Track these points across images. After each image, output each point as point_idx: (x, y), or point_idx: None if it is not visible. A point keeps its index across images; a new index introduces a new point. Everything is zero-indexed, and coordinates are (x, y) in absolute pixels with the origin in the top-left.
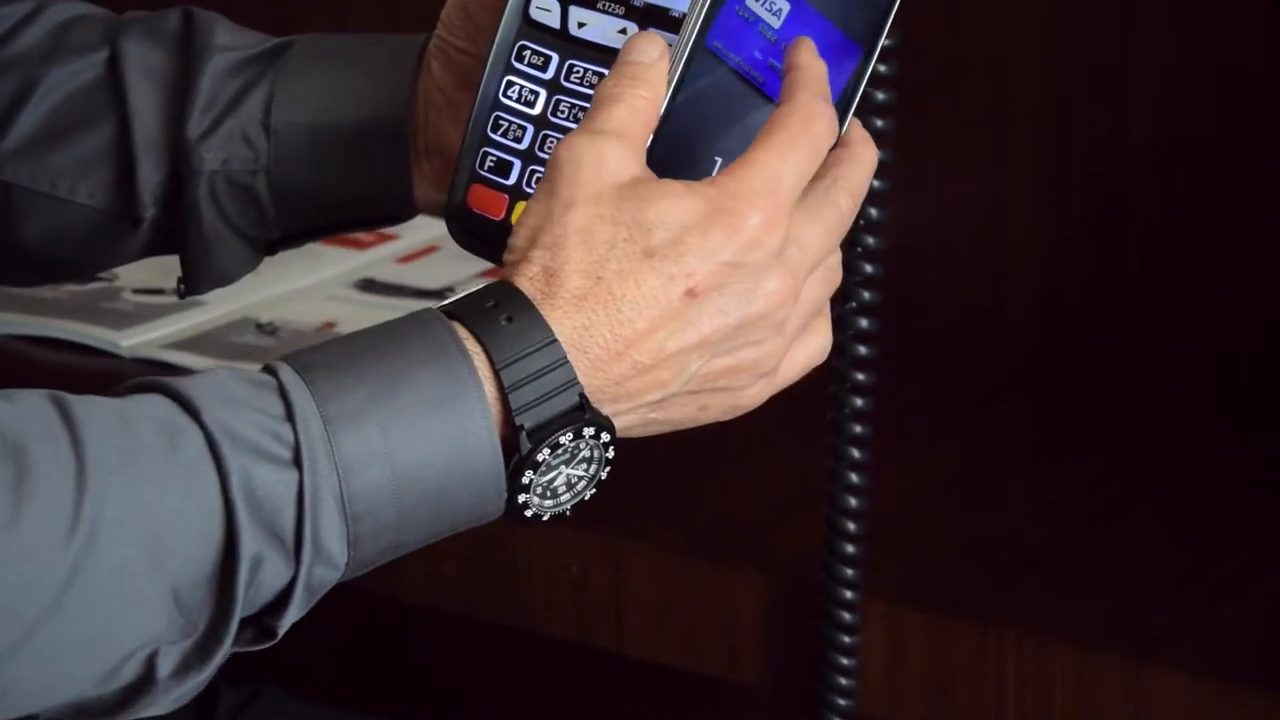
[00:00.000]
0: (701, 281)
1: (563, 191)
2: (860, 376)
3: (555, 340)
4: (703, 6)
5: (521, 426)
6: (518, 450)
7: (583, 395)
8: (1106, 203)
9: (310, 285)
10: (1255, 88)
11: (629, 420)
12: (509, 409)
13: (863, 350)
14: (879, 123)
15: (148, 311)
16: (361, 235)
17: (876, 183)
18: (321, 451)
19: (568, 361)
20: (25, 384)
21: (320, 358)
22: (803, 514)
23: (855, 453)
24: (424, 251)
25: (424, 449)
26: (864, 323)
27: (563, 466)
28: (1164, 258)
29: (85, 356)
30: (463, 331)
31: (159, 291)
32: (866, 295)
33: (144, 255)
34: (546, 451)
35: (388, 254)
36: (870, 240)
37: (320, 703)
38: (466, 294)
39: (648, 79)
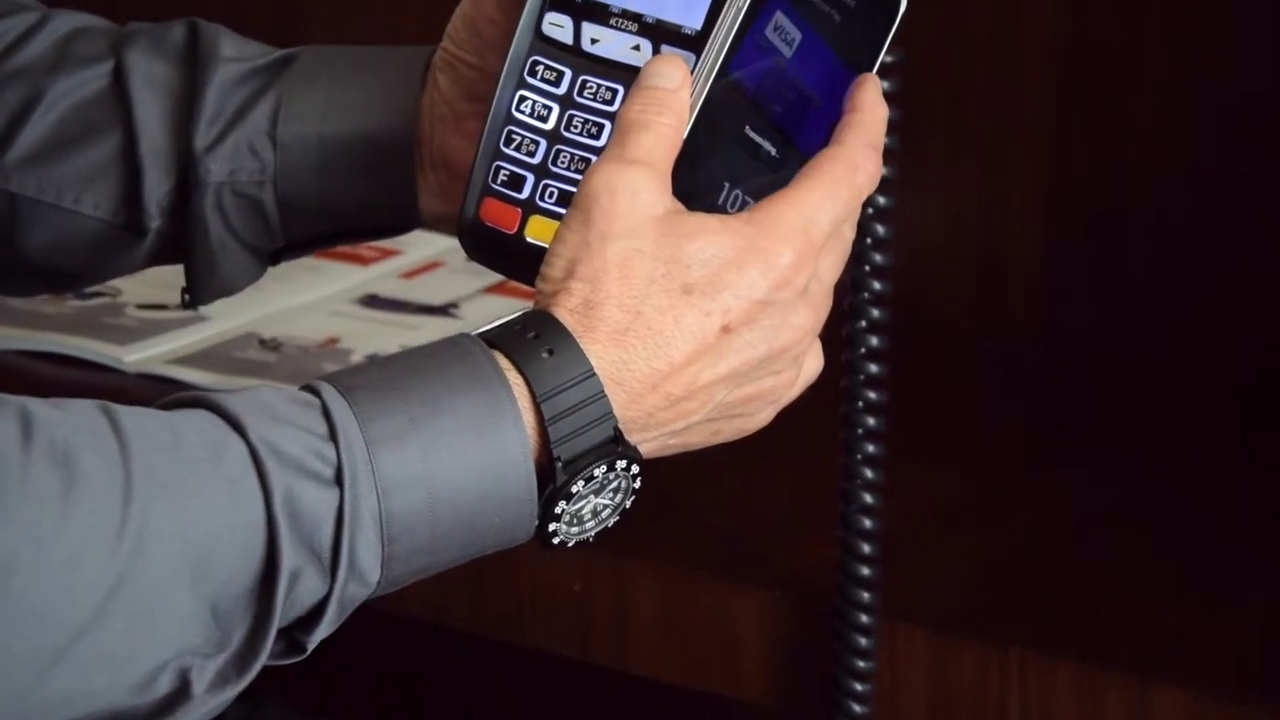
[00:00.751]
0: (736, 318)
1: (599, 223)
2: (872, 395)
3: (594, 374)
4: (728, 35)
5: (558, 458)
6: (552, 480)
7: (616, 428)
8: (1108, 220)
9: (313, 301)
10: (1256, 108)
11: (650, 448)
12: (546, 439)
13: (874, 368)
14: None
15: (151, 327)
16: (364, 251)
17: (883, 199)
18: (363, 472)
19: (605, 396)
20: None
21: (362, 380)
22: (806, 532)
23: (869, 472)
24: (427, 267)
25: (462, 474)
26: (874, 340)
27: (592, 496)
28: (1166, 274)
29: (88, 372)
30: (504, 361)
31: (162, 307)
32: (876, 313)
33: (148, 265)
34: (580, 483)
35: (391, 269)
36: (878, 257)
37: (323, 717)
38: (505, 322)
39: (672, 105)
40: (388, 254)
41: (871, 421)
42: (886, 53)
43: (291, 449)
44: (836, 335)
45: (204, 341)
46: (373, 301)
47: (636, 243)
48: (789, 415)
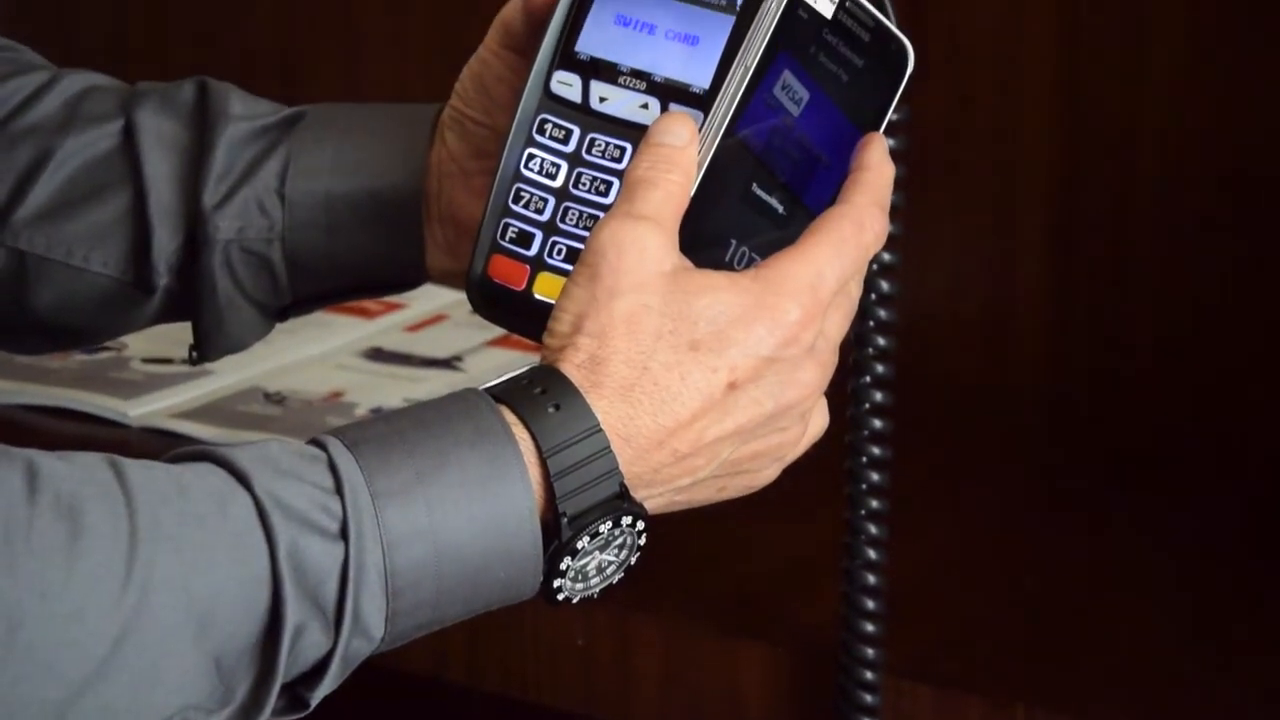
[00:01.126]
0: (742, 374)
1: (606, 278)
2: (876, 450)
3: (600, 430)
4: (735, 94)
5: (564, 514)
6: (557, 536)
7: (622, 484)
8: (1113, 274)
9: (318, 354)
10: (1257, 159)
11: (656, 504)
12: (552, 495)
13: (878, 424)
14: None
15: (156, 381)
16: (369, 304)
17: (888, 256)
18: (368, 526)
19: (611, 451)
20: None
21: (369, 434)
22: (811, 586)
23: (873, 528)
24: (432, 320)
25: (467, 528)
26: (879, 396)
27: (597, 552)
28: (1172, 327)
29: (93, 426)
30: (510, 416)
31: (167, 361)
32: (880, 369)
33: (155, 323)
34: (586, 539)
35: (396, 323)
36: (883, 313)
37: None
38: (512, 377)
39: (680, 162)
40: (392, 307)
41: (875, 477)
42: (893, 111)
43: (297, 503)
44: (841, 390)
45: (208, 395)
46: (377, 355)
47: (644, 298)
48: (794, 469)
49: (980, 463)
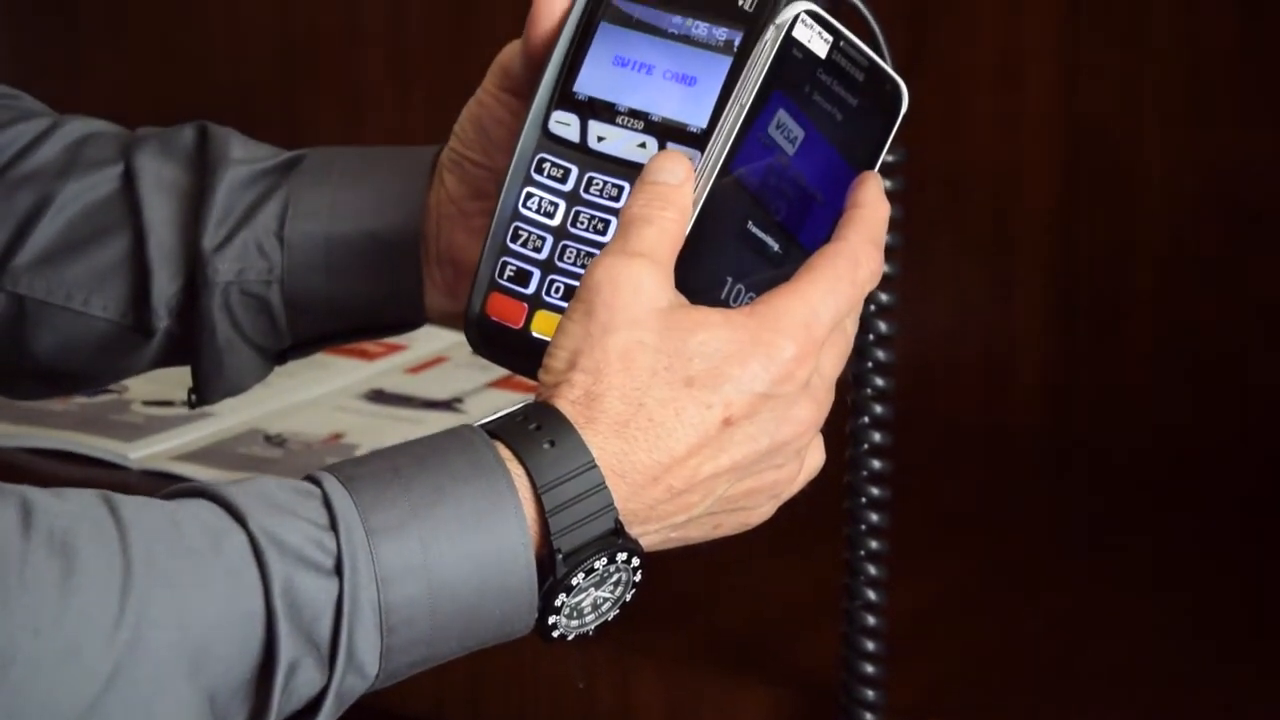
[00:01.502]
0: (737, 411)
1: (601, 315)
2: (875, 491)
3: (596, 466)
4: (730, 133)
5: (558, 550)
6: (552, 573)
7: (617, 520)
8: (1112, 315)
9: (319, 396)
10: (1261, 203)
11: (651, 540)
12: (547, 531)
13: (877, 464)
14: (886, 238)
15: (156, 423)
16: (369, 346)
17: (885, 296)
18: (363, 562)
19: (606, 487)
20: None
21: (364, 470)
22: (812, 627)
23: (872, 568)
24: (432, 362)
25: (462, 565)
26: (877, 437)
27: (592, 589)
28: (1170, 373)
29: (94, 469)
30: (505, 452)
31: (168, 403)
32: (879, 409)
33: (154, 367)
34: (581, 576)
35: (396, 365)
36: (881, 354)
37: None
38: (507, 413)
39: (675, 200)
40: (393, 349)
41: (874, 517)
42: (888, 151)
43: (292, 539)
44: (840, 431)
45: (209, 438)
46: (378, 396)
47: (639, 334)
48: (794, 510)
49: (980, 503)
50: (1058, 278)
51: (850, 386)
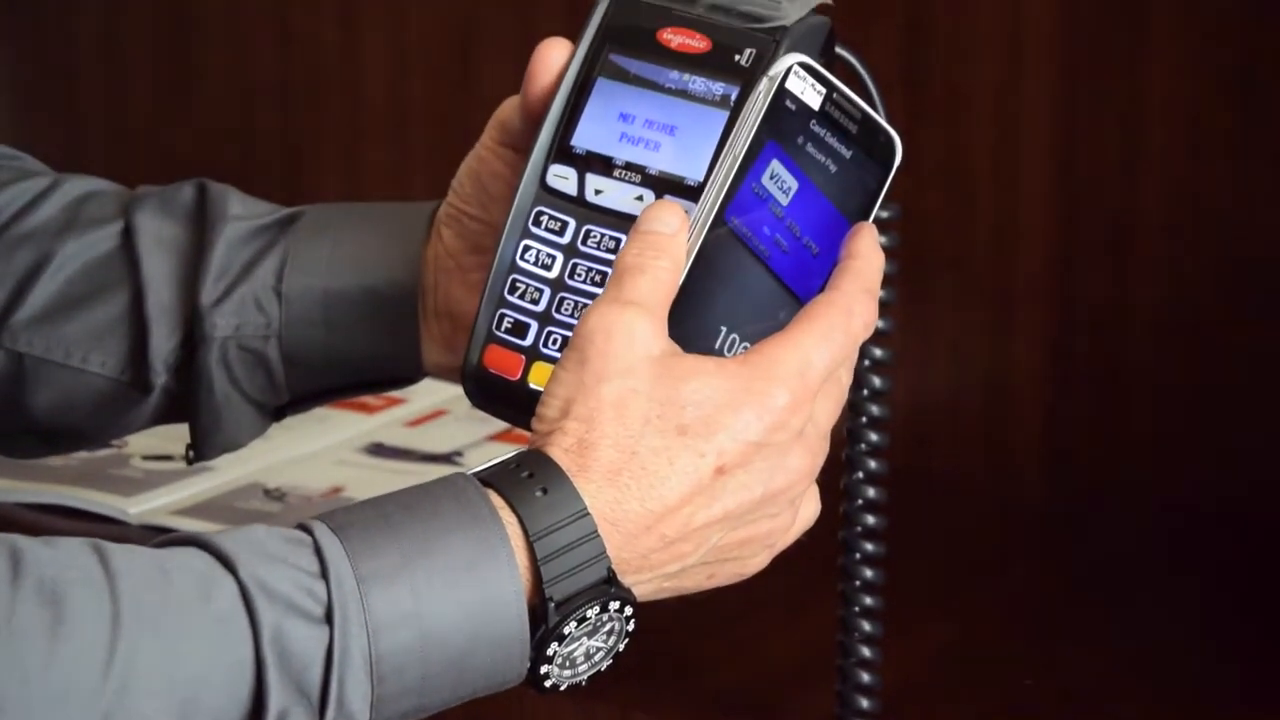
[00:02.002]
0: (731, 459)
1: (594, 363)
2: (870, 547)
3: (588, 514)
4: (724, 183)
5: (551, 599)
6: (544, 621)
7: (610, 569)
8: (1111, 373)
9: (318, 450)
10: (1258, 259)
11: (645, 590)
12: (539, 579)
13: (871, 520)
14: (881, 293)
15: (156, 478)
16: (369, 399)
17: (879, 351)
18: (353, 610)
19: (598, 535)
20: None
21: (355, 518)
22: (808, 685)
23: (866, 625)
24: (432, 415)
25: (453, 613)
26: (872, 492)
27: (585, 638)
28: (1172, 423)
29: (93, 524)
30: (497, 500)
31: (167, 458)
32: (873, 465)
33: (152, 424)
34: (573, 624)
35: (396, 418)
36: (875, 409)
37: None
38: (500, 461)
39: (669, 249)
40: (393, 403)
41: (869, 573)
42: (883, 203)
43: (282, 587)
44: (835, 486)
45: (208, 492)
46: (378, 450)
47: (632, 383)
48: (789, 565)
49: (979, 560)
50: (1056, 333)
51: (845, 441)
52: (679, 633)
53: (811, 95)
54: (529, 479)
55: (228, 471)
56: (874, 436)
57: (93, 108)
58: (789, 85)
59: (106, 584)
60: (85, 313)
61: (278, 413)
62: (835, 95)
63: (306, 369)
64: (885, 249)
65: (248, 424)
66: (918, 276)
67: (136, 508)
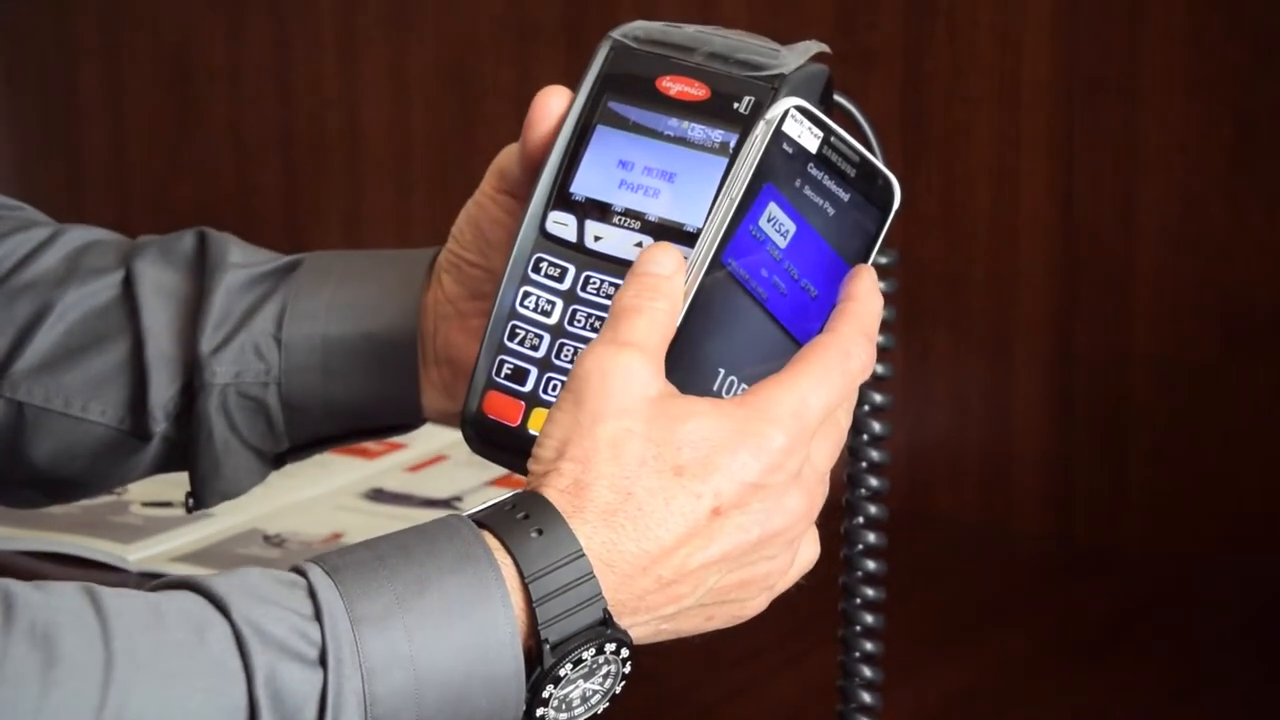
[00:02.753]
0: (727, 500)
1: (590, 404)
2: (870, 592)
3: (583, 555)
4: (721, 224)
5: (546, 640)
6: (540, 663)
7: (606, 610)
8: (1112, 419)
9: (318, 495)
10: (1256, 303)
11: (642, 632)
12: (534, 620)
13: (871, 565)
14: (880, 339)
15: (156, 525)
16: (369, 445)
17: (879, 397)
18: (347, 652)
19: (594, 576)
20: None
21: (349, 560)
22: None
23: (867, 671)
24: (432, 461)
25: (448, 655)
26: (872, 537)
27: (581, 680)
28: (1174, 467)
29: (91, 571)
30: (492, 541)
31: (167, 504)
32: (873, 510)
33: (152, 473)
34: (569, 666)
35: (396, 463)
36: (875, 455)
37: None
38: (495, 503)
39: (666, 291)
40: (393, 448)
41: (869, 619)
42: (882, 248)
43: (275, 629)
44: (834, 531)
45: (208, 539)
46: (378, 495)
47: (628, 423)
48: (793, 611)
49: (980, 605)
50: (1056, 378)
51: (845, 486)
52: (678, 680)
53: (809, 138)
54: (524, 520)
55: (227, 518)
56: (874, 482)
57: (95, 156)
58: (786, 128)
59: (99, 627)
60: (85, 362)
61: (278, 460)
62: (833, 139)
63: (306, 416)
64: (884, 294)
65: (247, 471)
66: (918, 321)
67: (136, 555)
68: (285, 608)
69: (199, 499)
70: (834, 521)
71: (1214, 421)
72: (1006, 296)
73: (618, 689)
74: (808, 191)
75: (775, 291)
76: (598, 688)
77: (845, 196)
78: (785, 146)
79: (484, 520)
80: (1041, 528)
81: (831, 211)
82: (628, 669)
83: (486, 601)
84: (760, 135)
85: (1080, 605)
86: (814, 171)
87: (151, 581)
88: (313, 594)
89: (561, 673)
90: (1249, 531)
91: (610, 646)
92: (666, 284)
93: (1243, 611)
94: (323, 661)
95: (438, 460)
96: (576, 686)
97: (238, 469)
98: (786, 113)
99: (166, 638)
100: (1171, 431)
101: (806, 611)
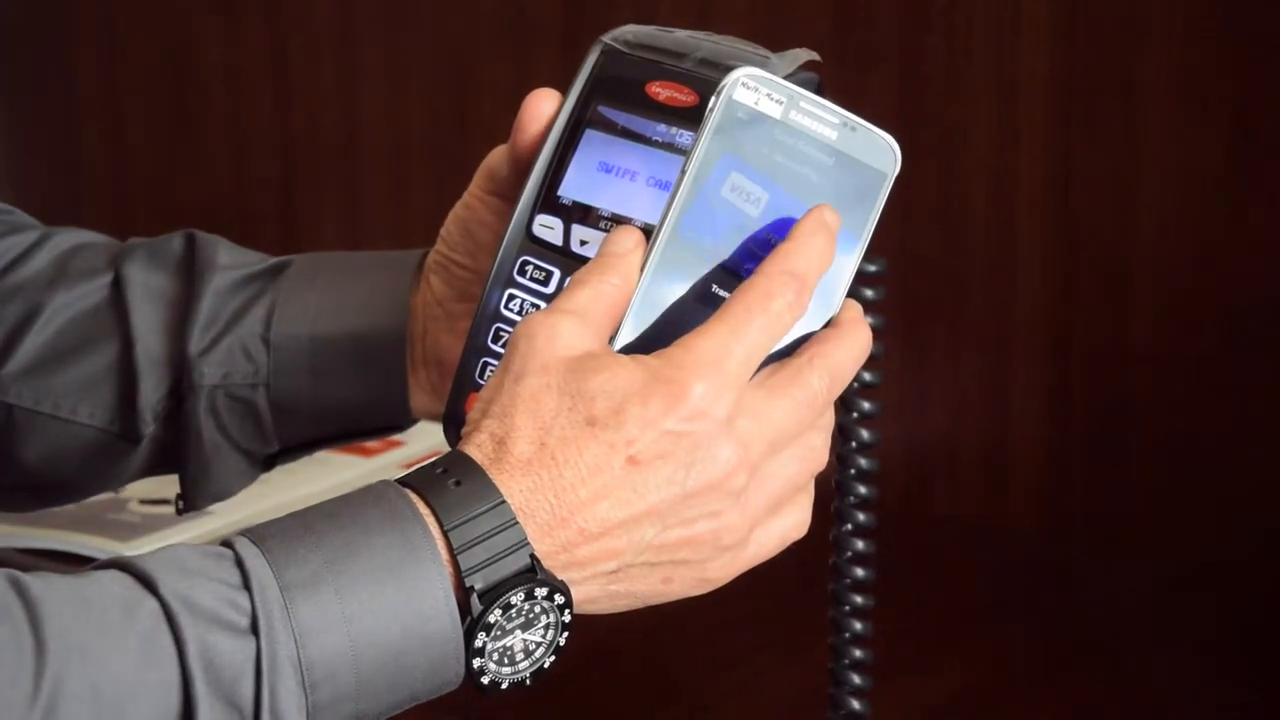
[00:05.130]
0: (643, 450)
1: (515, 364)
2: (859, 599)
3: (503, 502)
4: (678, 197)
5: (471, 587)
6: (469, 612)
7: (533, 556)
8: (1109, 415)
9: (316, 493)
10: (1252, 302)
11: (589, 591)
12: (462, 572)
13: (860, 573)
14: (872, 347)
15: (154, 522)
16: (367, 442)
17: (868, 405)
18: (279, 618)
19: (517, 523)
20: None
21: (275, 529)
22: None
23: (856, 678)
24: (426, 458)
25: (381, 614)
26: (860, 545)
27: (518, 631)
28: (1168, 469)
29: None
30: (415, 498)
31: (165, 502)
32: (862, 517)
33: (142, 475)
34: (498, 613)
35: (394, 461)
36: (864, 463)
37: None
38: (421, 466)
39: (619, 268)
40: (391, 445)
41: (858, 626)
42: (870, 257)
43: (205, 601)
44: (824, 537)
45: (206, 536)
46: None
47: (544, 379)
48: (781, 617)
49: (977, 605)
50: (1053, 375)
51: (834, 493)
52: (669, 686)
53: (769, 104)
54: (442, 474)
55: (225, 515)
56: (863, 489)
57: (92, 156)
58: (738, 97)
59: (26, 615)
60: (75, 364)
61: (267, 462)
62: (803, 104)
63: (295, 416)
64: (874, 302)
65: (237, 473)
66: (914, 319)
67: (133, 552)
68: (212, 579)
69: (189, 501)
70: (823, 528)
71: (1211, 418)
72: (1004, 293)
73: (561, 640)
74: (779, 158)
75: (752, 259)
76: (539, 639)
77: (830, 160)
78: (740, 115)
79: (409, 481)
80: (1038, 524)
81: (814, 177)
82: (567, 618)
83: (415, 558)
84: (710, 107)
85: (1077, 602)
86: (783, 138)
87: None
88: (240, 564)
89: (492, 619)
90: (1247, 528)
91: (541, 591)
92: (620, 261)
93: (1241, 610)
94: (254, 629)
95: (432, 458)
96: (515, 636)
97: (227, 470)
98: (736, 81)
99: (96, 619)
100: (1169, 428)
101: (802, 613)
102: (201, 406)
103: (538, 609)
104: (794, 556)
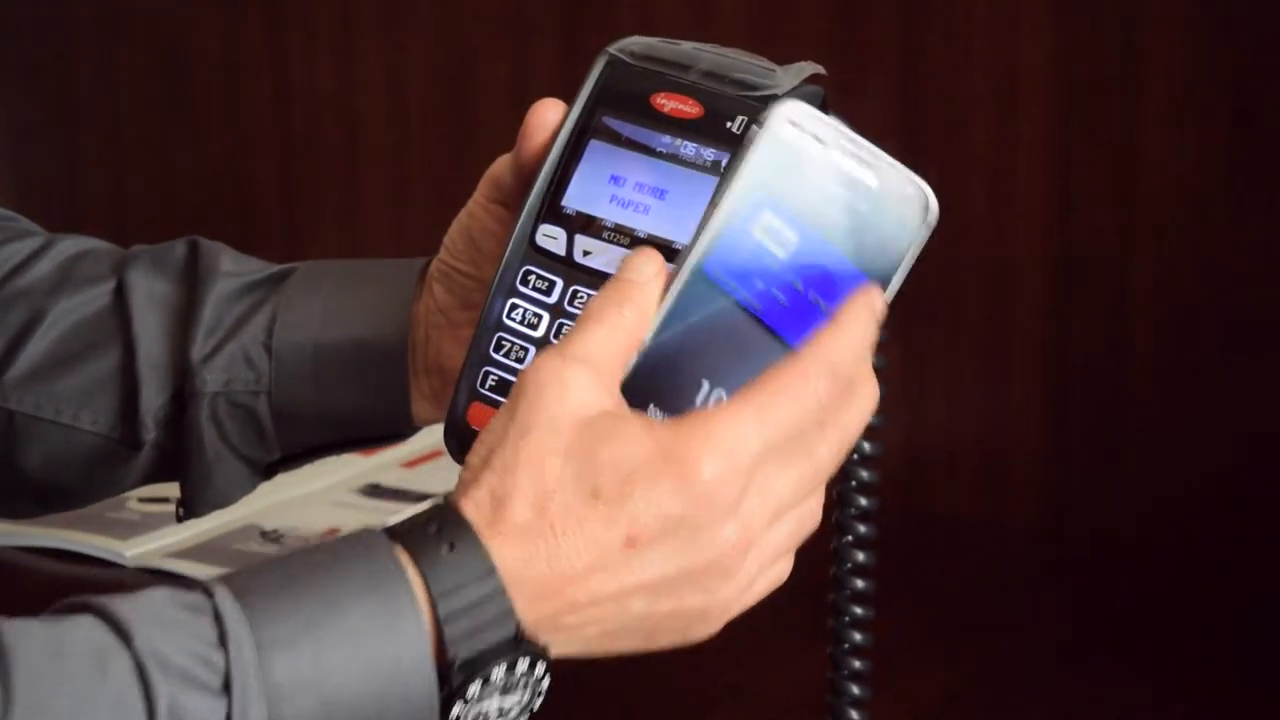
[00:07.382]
0: (644, 530)
1: (522, 415)
2: (859, 610)
3: (495, 571)
4: (707, 234)
5: (453, 658)
6: (448, 683)
7: (519, 627)
8: (1108, 415)
9: (315, 491)
10: (1251, 301)
11: (571, 649)
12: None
13: (860, 584)
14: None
15: (153, 520)
16: None
17: (872, 417)
18: (252, 679)
19: (505, 594)
20: (29, 595)
21: (258, 581)
22: None
23: (855, 689)
24: (428, 456)
25: (359, 677)
26: (861, 557)
27: (495, 696)
28: (1166, 469)
29: (89, 567)
30: (404, 557)
31: (165, 500)
32: (863, 529)
33: (143, 482)
34: (478, 685)
35: (393, 459)
36: (865, 474)
37: None
38: (412, 515)
39: (636, 299)
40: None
41: (858, 637)
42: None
43: (177, 658)
44: (824, 548)
45: (205, 534)
46: (375, 491)
47: (553, 439)
48: (780, 627)
49: (977, 602)
50: (1052, 375)
51: (835, 505)
52: (663, 695)
53: (811, 142)
54: (436, 534)
55: (224, 513)
56: (864, 501)
57: (90, 155)
58: (781, 132)
59: None
60: (77, 370)
61: (269, 470)
62: (845, 143)
63: (296, 424)
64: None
65: (238, 480)
66: (914, 322)
67: (133, 550)
68: (189, 633)
69: (189, 508)
70: (823, 539)
71: (1210, 419)
72: (1003, 293)
73: (536, 705)
74: (815, 199)
75: (773, 304)
76: (515, 701)
77: (864, 207)
78: (781, 151)
79: (400, 534)
80: (1037, 524)
81: (846, 222)
82: (545, 685)
83: (398, 622)
84: (752, 143)
85: (1076, 602)
86: (821, 179)
87: (148, 581)
88: (218, 618)
89: (469, 693)
90: (1245, 529)
91: (523, 665)
92: (639, 291)
93: (1240, 609)
94: (226, 689)
95: (434, 456)
96: (491, 701)
97: (229, 478)
98: (782, 115)
99: (67, 672)
100: (1167, 428)
101: (795, 628)
102: (203, 413)
103: (515, 679)
104: (794, 566)
